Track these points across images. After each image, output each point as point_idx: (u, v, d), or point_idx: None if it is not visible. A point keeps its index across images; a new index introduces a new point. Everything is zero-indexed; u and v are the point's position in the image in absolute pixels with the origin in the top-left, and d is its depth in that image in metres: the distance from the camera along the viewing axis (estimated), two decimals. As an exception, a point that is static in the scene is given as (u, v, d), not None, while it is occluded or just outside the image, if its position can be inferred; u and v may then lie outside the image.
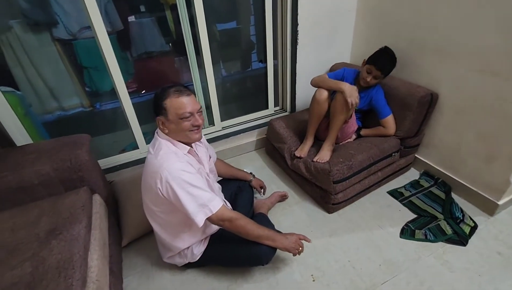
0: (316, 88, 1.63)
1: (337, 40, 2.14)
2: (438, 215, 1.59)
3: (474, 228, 1.51)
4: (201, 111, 1.13)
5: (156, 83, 2.97)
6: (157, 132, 1.13)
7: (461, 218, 1.55)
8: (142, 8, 2.75)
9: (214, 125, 2.15)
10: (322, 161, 1.58)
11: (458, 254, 1.39)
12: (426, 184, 1.82)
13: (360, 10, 2.04)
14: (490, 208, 1.58)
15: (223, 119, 2.18)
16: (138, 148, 1.94)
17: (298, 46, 2.00)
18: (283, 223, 1.61)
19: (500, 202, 1.53)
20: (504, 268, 1.32)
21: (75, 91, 2.68)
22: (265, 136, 2.20)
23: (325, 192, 1.61)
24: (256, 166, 2.12)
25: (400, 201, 1.71)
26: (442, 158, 1.79)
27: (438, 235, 1.47)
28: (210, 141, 2.10)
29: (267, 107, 2.33)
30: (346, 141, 1.77)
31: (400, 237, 1.49)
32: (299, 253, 1.22)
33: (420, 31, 1.66)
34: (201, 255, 1.26)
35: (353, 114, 1.66)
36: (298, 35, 1.96)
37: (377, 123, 1.76)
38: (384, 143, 1.67)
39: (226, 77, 3.10)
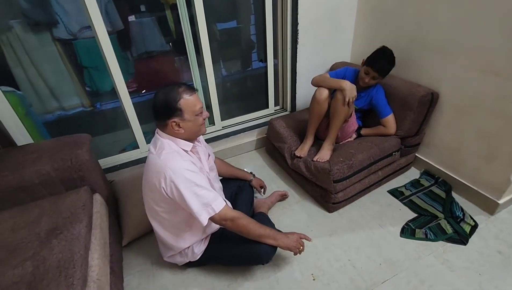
0: (316, 88, 1.63)
1: (337, 39, 2.14)
2: (439, 214, 1.59)
3: (474, 227, 1.50)
4: None
5: (156, 83, 2.97)
6: (157, 132, 1.13)
7: (462, 217, 1.55)
8: (143, 8, 2.75)
9: (214, 124, 2.15)
10: (322, 161, 1.58)
11: (459, 253, 1.39)
12: (426, 183, 1.82)
13: (361, 9, 2.04)
14: (491, 207, 1.57)
15: (223, 118, 2.18)
16: (139, 148, 1.95)
17: (298, 46, 2.00)
18: (283, 222, 1.61)
19: (501, 201, 1.53)
20: (504, 267, 1.32)
21: (76, 91, 2.68)
22: (265, 135, 2.20)
23: (325, 191, 1.61)
24: (256, 166, 2.12)
25: (401, 200, 1.71)
26: (442, 157, 1.79)
27: (438, 234, 1.47)
28: (210, 140, 2.10)
29: (267, 107, 2.33)
30: (347, 140, 1.77)
31: (401, 236, 1.49)
32: (300, 252, 1.22)
33: (421, 30, 1.66)
34: (201, 254, 1.27)
35: (353, 114, 1.66)
36: (298, 34, 1.96)
37: (377, 123, 1.76)
38: (384, 143, 1.67)
39: (226, 76, 3.09)
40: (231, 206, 1.17)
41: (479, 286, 1.25)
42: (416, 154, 1.93)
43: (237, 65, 3.14)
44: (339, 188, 1.54)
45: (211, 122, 2.15)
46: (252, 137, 2.26)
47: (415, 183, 1.83)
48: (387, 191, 1.78)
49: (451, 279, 1.28)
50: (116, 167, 1.85)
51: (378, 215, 1.62)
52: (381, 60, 1.56)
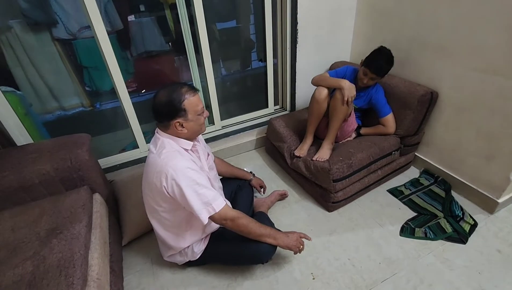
0: (316, 87, 1.64)
1: (337, 39, 2.14)
2: (438, 213, 1.60)
3: (474, 226, 1.51)
4: None
5: (156, 83, 2.97)
6: (157, 131, 1.13)
7: (461, 216, 1.55)
8: (142, 8, 2.75)
9: (214, 124, 2.15)
10: (322, 160, 1.58)
11: (458, 252, 1.39)
12: (426, 183, 1.82)
13: (360, 8, 2.04)
14: (490, 206, 1.58)
15: (223, 118, 2.18)
16: (138, 148, 1.95)
17: (297, 45, 2.00)
18: (283, 222, 1.61)
19: (500, 200, 1.53)
20: (504, 266, 1.32)
21: (75, 90, 2.68)
22: (265, 135, 2.20)
23: (325, 191, 1.61)
24: (256, 165, 2.12)
25: (400, 200, 1.71)
26: (442, 156, 1.79)
27: (438, 233, 1.47)
28: (210, 140, 2.11)
29: (267, 106, 2.33)
30: (346, 139, 1.77)
31: (400, 235, 1.49)
32: (300, 251, 1.23)
33: (420, 30, 1.66)
34: (201, 254, 1.27)
35: (352, 113, 1.66)
36: (298, 34, 1.96)
37: (377, 122, 1.76)
38: (384, 142, 1.67)
39: (226, 76, 3.10)
40: (231, 206, 1.18)
41: (478, 285, 1.25)
42: (416, 153, 1.93)
43: (236, 65, 3.14)
44: (338, 187, 1.55)
45: (211, 121, 2.15)
46: (251, 136, 2.26)
47: (414, 182, 1.83)
48: (387, 190, 1.79)
49: (450, 278, 1.28)
50: (116, 167, 1.85)
51: (378, 214, 1.62)
52: (379, 61, 1.55)
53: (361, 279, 1.30)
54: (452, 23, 1.49)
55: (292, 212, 1.68)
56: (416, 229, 1.51)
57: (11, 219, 1.10)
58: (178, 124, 1.06)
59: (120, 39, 2.68)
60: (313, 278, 1.32)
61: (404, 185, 1.82)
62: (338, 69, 1.77)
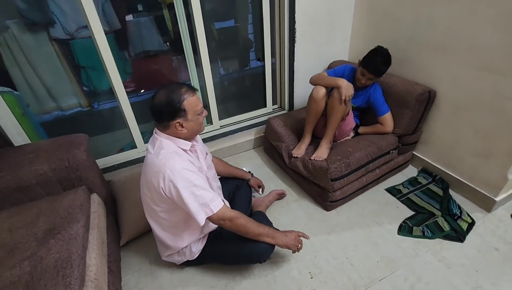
0: (314, 86, 1.64)
1: (335, 38, 2.14)
2: (436, 212, 1.60)
3: (471, 224, 1.51)
4: None
5: (154, 82, 2.97)
6: (156, 132, 1.13)
7: (459, 214, 1.56)
8: (140, 7, 2.74)
9: (212, 124, 2.15)
10: (320, 159, 1.58)
11: (456, 250, 1.40)
12: (424, 181, 1.82)
13: (358, 7, 2.04)
14: (488, 205, 1.58)
15: (221, 117, 2.18)
16: (136, 148, 1.95)
17: (295, 44, 2.00)
18: (282, 221, 1.61)
19: (498, 199, 1.54)
20: (501, 264, 1.33)
21: (73, 90, 2.68)
22: (263, 134, 2.20)
23: (323, 190, 1.61)
24: (254, 165, 2.12)
25: (398, 198, 1.71)
26: (440, 155, 1.79)
27: (435, 232, 1.48)
28: (208, 139, 2.11)
29: (265, 106, 2.33)
30: (344, 139, 1.77)
31: (398, 234, 1.50)
32: (298, 250, 1.23)
33: (418, 29, 1.66)
34: (199, 253, 1.27)
35: (350, 112, 1.67)
36: (296, 33, 1.96)
37: (375, 121, 1.76)
38: (382, 141, 1.67)
39: (225, 75, 3.09)
40: (229, 206, 1.18)
41: (476, 283, 1.25)
42: (414, 152, 1.93)
43: (235, 64, 3.14)
44: (336, 186, 1.55)
45: (209, 121, 2.15)
46: (250, 136, 2.26)
47: (412, 181, 1.84)
48: (385, 189, 1.79)
49: (448, 276, 1.29)
50: (114, 167, 1.85)
51: (376, 213, 1.63)
52: (376, 61, 1.56)
53: (359, 278, 1.30)
54: (449, 22, 1.50)
55: (290, 211, 1.68)
56: (414, 227, 1.51)
57: (8, 219, 1.10)
58: (178, 124, 1.06)
59: (118, 39, 2.67)
60: (311, 277, 1.32)
61: (402, 184, 1.82)
62: (336, 68, 1.77)
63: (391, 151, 1.71)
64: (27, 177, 1.19)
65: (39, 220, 1.09)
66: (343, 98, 1.47)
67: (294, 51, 2.03)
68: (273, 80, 2.23)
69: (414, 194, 1.74)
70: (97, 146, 2.18)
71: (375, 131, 1.75)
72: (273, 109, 2.37)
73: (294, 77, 2.14)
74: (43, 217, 1.10)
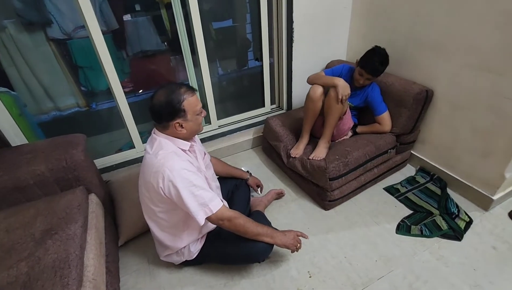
0: (311, 85, 1.64)
1: (333, 37, 2.15)
2: (434, 211, 1.61)
3: (469, 223, 1.52)
4: None
5: (152, 82, 2.96)
6: (154, 132, 1.12)
7: (457, 213, 1.56)
8: (137, 7, 2.73)
9: (210, 123, 2.15)
10: (318, 159, 1.58)
11: (454, 249, 1.40)
12: (422, 180, 1.83)
13: (356, 6, 2.04)
14: (485, 203, 1.59)
15: (219, 117, 2.18)
16: (135, 148, 1.94)
17: (293, 44, 2.00)
18: (280, 221, 1.61)
19: (495, 197, 1.54)
20: (498, 263, 1.33)
21: (71, 91, 2.66)
22: (261, 134, 2.20)
23: (321, 189, 1.62)
24: (252, 164, 2.12)
25: (396, 197, 1.72)
26: (437, 154, 1.80)
27: (433, 231, 1.48)
28: (206, 139, 2.10)
29: (263, 105, 2.33)
30: (342, 138, 1.78)
31: (396, 233, 1.50)
32: (297, 249, 1.23)
33: (416, 28, 1.67)
34: (198, 253, 1.27)
35: (348, 111, 1.67)
36: (294, 33, 1.96)
37: (373, 120, 1.76)
38: (380, 140, 1.68)
39: (223, 75, 3.09)
40: (227, 206, 1.18)
41: (474, 281, 1.26)
42: (412, 151, 1.94)
43: (233, 64, 3.13)
44: (335, 185, 1.55)
45: (208, 121, 2.15)
46: (248, 136, 2.26)
47: (410, 180, 1.84)
48: (383, 188, 1.79)
49: (446, 275, 1.29)
50: (112, 167, 1.85)
51: (374, 212, 1.63)
52: (374, 61, 1.56)
53: (357, 277, 1.30)
54: (446, 21, 1.50)
55: (289, 211, 1.68)
56: (412, 226, 1.52)
57: (5, 220, 1.10)
58: (177, 124, 1.06)
59: (116, 38, 2.66)
60: (310, 276, 1.32)
61: (400, 183, 1.83)
62: (334, 68, 1.77)
63: (389, 150, 1.71)
64: (25, 178, 1.19)
65: (37, 220, 1.08)
66: (340, 97, 1.47)
67: (292, 51, 2.03)
68: (271, 80, 2.24)
69: (412, 193, 1.74)
70: (95, 146, 2.17)
71: (373, 130, 1.75)
72: (271, 109, 2.37)
73: (292, 76, 2.14)
74: (41, 217, 1.10)
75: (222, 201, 1.13)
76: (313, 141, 1.75)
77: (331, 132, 1.61)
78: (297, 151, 1.72)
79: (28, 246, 0.98)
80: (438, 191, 1.73)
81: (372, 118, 1.76)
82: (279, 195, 1.77)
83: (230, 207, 1.36)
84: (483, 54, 1.39)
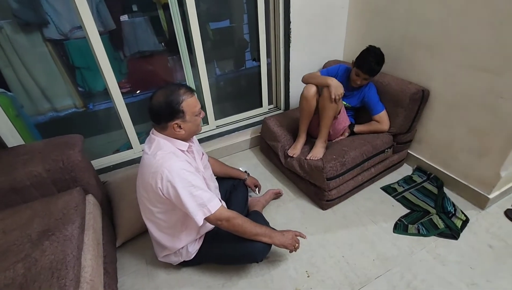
0: (305, 85, 1.65)
1: (330, 38, 2.15)
2: (431, 210, 1.61)
3: (465, 222, 1.53)
4: None
5: (149, 83, 2.96)
6: (153, 132, 1.12)
7: (453, 212, 1.57)
8: (134, 8, 2.73)
9: (208, 124, 2.15)
10: (316, 159, 1.59)
11: (450, 247, 1.41)
12: (419, 180, 1.84)
13: (353, 7, 2.05)
14: (481, 202, 1.60)
15: (217, 118, 2.18)
16: (132, 148, 1.94)
17: (291, 44, 2.01)
18: (278, 221, 1.61)
19: (491, 196, 1.56)
20: (495, 261, 1.34)
21: (68, 91, 2.66)
22: (259, 134, 2.20)
23: (319, 189, 1.62)
24: (250, 164, 2.12)
25: (394, 197, 1.73)
26: (434, 153, 1.81)
27: (430, 229, 1.49)
28: (204, 140, 2.10)
29: (261, 106, 2.33)
30: (339, 138, 1.78)
31: (394, 232, 1.51)
32: (295, 249, 1.23)
33: (412, 28, 1.68)
34: (196, 253, 1.27)
35: (343, 110, 1.67)
36: (291, 33, 1.97)
37: (370, 120, 1.77)
38: (376, 140, 1.69)
39: (220, 76, 3.09)
40: (225, 206, 1.18)
41: (470, 279, 1.27)
42: (408, 151, 1.95)
43: (230, 65, 3.14)
44: (332, 185, 1.56)
45: (205, 121, 2.15)
46: (246, 136, 2.26)
47: (407, 180, 1.85)
48: (380, 188, 1.80)
49: (443, 273, 1.30)
50: (109, 168, 1.84)
51: (372, 212, 1.64)
52: (370, 62, 1.56)
53: (355, 276, 1.31)
54: (442, 21, 1.51)
55: (287, 211, 1.69)
56: (409, 225, 1.52)
57: (1, 221, 1.09)
58: (176, 125, 1.06)
59: (113, 39, 2.66)
60: (308, 276, 1.32)
61: (397, 182, 1.84)
62: (329, 68, 1.78)
63: (386, 150, 1.72)
64: (21, 179, 1.18)
65: (33, 221, 1.08)
66: (333, 97, 1.48)
67: (289, 51, 2.03)
68: (269, 80, 2.24)
69: (409, 192, 1.75)
70: (92, 147, 2.16)
71: (372, 129, 1.75)
72: (269, 109, 2.37)
73: (290, 76, 2.15)
74: (38, 218, 1.09)
75: (220, 201, 1.13)
76: (311, 141, 1.76)
77: (327, 131, 1.62)
78: (295, 151, 1.72)
79: (25, 247, 0.98)
80: (435, 190, 1.74)
81: (369, 118, 1.77)
82: (277, 195, 1.77)
83: (228, 207, 1.36)
84: (478, 54, 1.40)
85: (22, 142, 1.56)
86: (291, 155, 1.72)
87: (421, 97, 1.64)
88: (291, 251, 1.24)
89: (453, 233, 1.46)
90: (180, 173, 1.02)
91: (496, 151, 1.47)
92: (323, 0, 1.96)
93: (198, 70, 1.91)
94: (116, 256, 1.44)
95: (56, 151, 1.27)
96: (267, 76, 2.21)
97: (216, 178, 1.49)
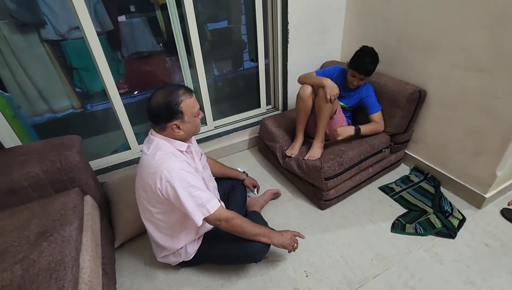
0: (301, 85, 1.66)
1: (327, 39, 2.16)
2: (428, 209, 1.63)
3: (462, 221, 1.54)
4: None
5: (147, 83, 2.95)
6: (151, 133, 1.12)
7: (450, 211, 1.58)
8: (132, 8, 2.73)
9: (206, 124, 2.15)
10: (313, 159, 1.60)
11: (447, 246, 1.42)
12: (416, 179, 1.85)
13: (350, 8, 2.06)
14: (478, 201, 1.61)
15: (215, 118, 2.18)
16: (130, 149, 1.93)
17: (288, 45, 2.02)
18: (277, 221, 1.62)
19: (487, 195, 1.57)
20: (491, 259, 1.35)
21: (65, 92, 2.64)
22: (257, 134, 2.21)
23: (317, 189, 1.63)
24: (249, 165, 2.13)
25: (391, 196, 1.74)
26: (431, 153, 1.82)
27: (428, 229, 1.50)
28: (202, 140, 2.10)
29: (259, 106, 2.34)
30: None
31: (391, 231, 1.52)
32: (294, 249, 1.24)
33: (408, 29, 1.69)
34: (195, 254, 1.27)
35: (339, 111, 1.68)
36: (289, 34, 1.97)
37: (367, 120, 1.77)
38: (374, 140, 1.70)
39: (218, 76, 3.10)
40: (224, 206, 1.18)
41: (467, 278, 1.28)
42: (406, 151, 1.96)
43: (228, 65, 3.14)
44: (330, 185, 1.56)
45: (203, 122, 2.15)
46: (244, 136, 2.27)
47: (405, 179, 1.86)
48: (378, 188, 1.81)
49: (440, 272, 1.31)
50: (107, 169, 1.84)
51: (369, 211, 1.65)
52: (365, 62, 1.57)
53: (353, 276, 1.31)
54: (437, 22, 1.53)
55: (285, 211, 1.69)
56: (406, 225, 1.53)
57: (-1, 222, 1.09)
58: (175, 126, 1.07)
59: (111, 39, 2.65)
60: (307, 276, 1.33)
61: (394, 182, 1.85)
62: (325, 69, 1.79)
63: (384, 150, 1.73)
64: (18, 180, 1.18)
65: (31, 222, 1.08)
66: (328, 97, 1.49)
67: (287, 52, 2.04)
68: (267, 80, 2.25)
69: (407, 192, 1.76)
70: (90, 148, 2.16)
71: (372, 129, 1.71)
72: (267, 110, 2.38)
73: (288, 77, 2.16)
74: (35, 219, 1.09)
75: (219, 201, 1.13)
76: (308, 142, 1.76)
77: (323, 131, 1.63)
78: (293, 151, 1.73)
79: (23, 248, 0.97)
80: (432, 190, 1.75)
81: (366, 119, 1.77)
82: (276, 195, 1.78)
83: (227, 207, 1.36)
84: (474, 54, 1.42)
85: (20, 143, 1.55)
86: (289, 155, 1.73)
87: (418, 98, 1.65)
88: (289, 251, 1.25)
89: (450, 232, 1.47)
90: (179, 174, 1.02)
91: (492, 151, 1.48)
92: (320, 2, 1.97)
93: (196, 71, 1.91)
94: (115, 257, 1.44)
95: (54, 151, 1.27)
96: (265, 77, 2.21)
97: (214, 178, 1.49)
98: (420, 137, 1.85)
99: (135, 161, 1.90)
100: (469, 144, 1.58)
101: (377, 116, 1.72)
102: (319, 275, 1.32)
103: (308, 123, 1.73)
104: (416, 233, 1.49)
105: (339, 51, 2.28)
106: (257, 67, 2.16)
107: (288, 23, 1.93)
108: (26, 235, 1.03)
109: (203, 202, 1.05)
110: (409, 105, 1.65)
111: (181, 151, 1.13)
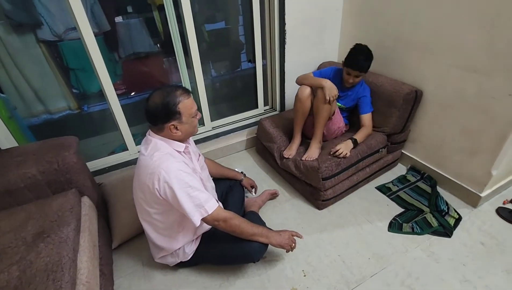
0: (299, 86, 1.66)
1: (324, 39, 2.17)
2: (425, 209, 1.64)
3: (458, 220, 1.55)
4: None
5: (145, 84, 2.94)
6: (149, 133, 1.12)
7: (446, 210, 1.60)
8: (129, 9, 2.72)
9: (204, 125, 2.15)
10: (311, 159, 1.60)
11: (444, 245, 1.43)
12: (412, 179, 1.86)
13: (347, 8, 2.08)
14: (474, 200, 1.63)
15: (213, 119, 2.18)
16: (128, 150, 1.93)
17: (286, 46, 2.02)
18: (275, 221, 1.62)
19: (483, 194, 1.59)
20: (487, 258, 1.37)
21: (62, 93, 2.63)
22: (255, 135, 2.21)
23: (314, 189, 1.63)
24: (246, 165, 2.13)
25: (388, 196, 1.75)
26: (427, 153, 1.84)
27: (424, 228, 1.51)
28: (200, 141, 2.11)
29: (256, 107, 2.34)
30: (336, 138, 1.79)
31: (388, 231, 1.53)
32: (292, 249, 1.24)
33: (405, 29, 1.70)
34: (193, 254, 1.27)
35: (337, 111, 1.69)
36: (286, 35, 1.98)
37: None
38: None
39: (216, 77, 3.09)
40: (222, 207, 1.18)
41: (463, 276, 1.29)
42: (402, 151, 1.97)
43: (226, 66, 3.14)
44: (328, 185, 1.57)
45: (201, 122, 2.15)
46: (242, 137, 2.27)
47: (402, 179, 1.88)
48: (375, 187, 1.82)
49: (437, 271, 1.32)
50: (105, 170, 1.83)
51: (367, 211, 1.66)
52: (359, 59, 1.58)
53: (351, 275, 1.32)
54: (434, 22, 1.54)
55: (283, 211, 1.70)
56: (403, 224, 1.54)
57: (-4, 224, 1.08)
58: (173, 126, 1.07)
59: (108, 40, 2.64)
60: (304, 275, 1.33)
61: (391, 182, 1.86)
62: (322, 70, 1.80)
63: (380, 150, 1.74)
64: (15, 181, 1.17)
65: (28, 224, 1.07)
66: (327, 98, 1.50)
67: (284, 53, 2.05)
68: (264, 81, 2.25)
69: (404, 191, 1.77)
70: (87, 149, 2.15)
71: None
72: (264, 110, 2.38)
73: (285, 78, 2.16)
74: (32, 220, 1.08)
75: (217, 202, 1.14)
76: (306, 142, 1.77)
77: (321, 132, 1.63)
78: (290, 152, 1.74)
79: (20, 249, 0.97)
80: (429, 189, 1.77)
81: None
82: (273, 196, 1.78)
83: (225, 208, 1.35)
84: (470, 55, 1.43)
85: (16, 144, 1.54)
86: (287, 156, 1.74)
87: (414, 98, 1.67)
88: (287, 251, 1.25)
89: (446, 231, 1.49)
90: (177, 174, 1.02)
91: (488, 150, 1.50)
92: (317, 2, 1.98)
93: (193, 72, 1.92)
94: (112, 257, 1.43)
95: (51, 152, 1.26)
96: (262, 78, 2.22)
97: (212, 179, 1.50)
98: (416, 137, 1.87)
99: (133, 162, 1.89)
100: (465, 144, 1.59)
101: (367, 116, 1.73)
102: (317, 275, 1.33)
103: (305, 124, 1.73)
104: (413, 232, 1.50)
105: (336, 51, 2.29)
106: (255, 67, 2.17)
107: (285, 24, 1.93)
108: (23, 236, 1.02)
109: (201, 202, 1.05)
110: (405, 105, 1.66)
111: (179, 152, 1.13)
